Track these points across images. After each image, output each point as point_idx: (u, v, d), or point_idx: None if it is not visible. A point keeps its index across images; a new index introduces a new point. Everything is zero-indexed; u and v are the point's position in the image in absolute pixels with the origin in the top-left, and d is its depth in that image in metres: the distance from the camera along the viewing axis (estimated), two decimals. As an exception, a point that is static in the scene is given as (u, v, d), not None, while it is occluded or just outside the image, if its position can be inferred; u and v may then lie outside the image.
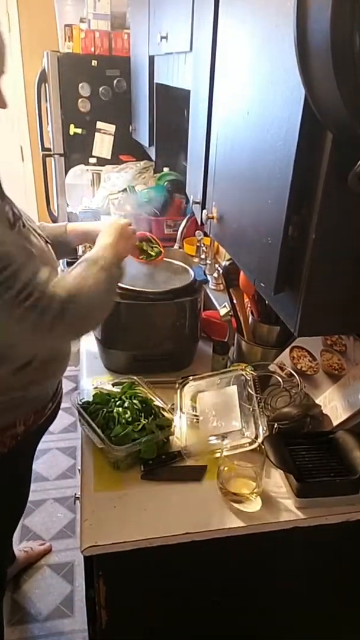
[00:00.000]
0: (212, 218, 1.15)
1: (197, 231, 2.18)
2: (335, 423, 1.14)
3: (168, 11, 1.58)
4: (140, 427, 1.11)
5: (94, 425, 1.12)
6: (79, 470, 1.23)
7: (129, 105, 2.73)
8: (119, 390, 1.25)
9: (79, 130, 2.80)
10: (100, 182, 2.72)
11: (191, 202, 1.40)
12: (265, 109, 0.78)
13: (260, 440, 1.05)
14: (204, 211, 1.23)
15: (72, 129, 2.80)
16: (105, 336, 1.41)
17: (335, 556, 1.11)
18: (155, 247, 1.43)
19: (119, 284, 1.27)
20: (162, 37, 1.62)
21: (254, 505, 1.01)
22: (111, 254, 1.10)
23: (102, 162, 2.83)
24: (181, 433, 1.16)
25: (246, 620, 1.18)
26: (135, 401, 1.18)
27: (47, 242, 1.14)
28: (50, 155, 2.91)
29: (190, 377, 1.31)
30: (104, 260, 1.06)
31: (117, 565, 0.98)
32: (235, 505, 1.01)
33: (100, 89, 2.74)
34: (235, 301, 1.43)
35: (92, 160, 2.82)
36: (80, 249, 2.14)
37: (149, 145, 2.28)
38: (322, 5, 0.49)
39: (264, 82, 0.77)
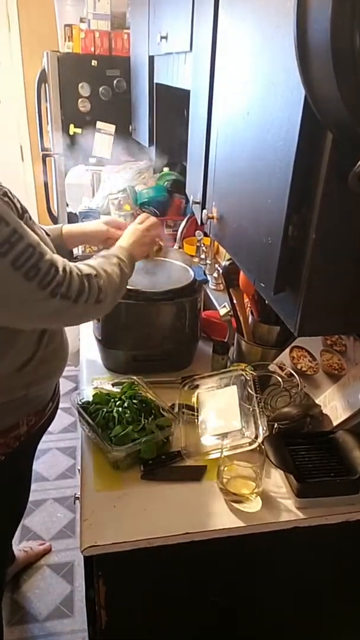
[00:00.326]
0: (212, 218, 1.15)
1: (197, 231, 2.18)
2: (335, 423, 1.14)
3: (168, 11, 1.58)
4: (140, 427, 1.11)
5: (93, 425, 1.12)
6: (78, 470, 1.23)
7: (129, 105, 2.73)
8: (118, 390, 1.25)
9: (79, 130, 2.80)
10: (100, 182, 2.72)
11: (191, 202, 1.40)
12: (265, 109, 0.78)
13: (260, 440, 1.05)
14: (204, 211, 1.23)
15: (72, 129, 2.80)
16: (105, 336, 1.41)
17: (335, 556, 1.11)
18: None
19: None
20: (162, 37, 1.62)
21: (254, 505, 1.01)
22: (125, 255, 1.13)
23: (102, 162, 2.83)
24: (181, 433, 1.16)
25: (246, 620, 1.18)
26: (135, 401, 1.18)
27: (48, 235, 1.15)
28: (50, 155, 2.91)
29: (190, 378, 1.31)
30: (117, 259, 1.10)
31: (117, 565, 0.98)
32: (235, 505, 1.01)
33: (100, 89, 2.74)
34: (235, 301, 1.43)
35: (92, 160, 2.82)
36: (80, 249, 2.15)
37: (149, 145, 2.28)
38: (322, 5, 0.49)
39: (264, 82, 0.77)
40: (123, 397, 1.21)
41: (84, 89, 2.73)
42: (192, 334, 1.46)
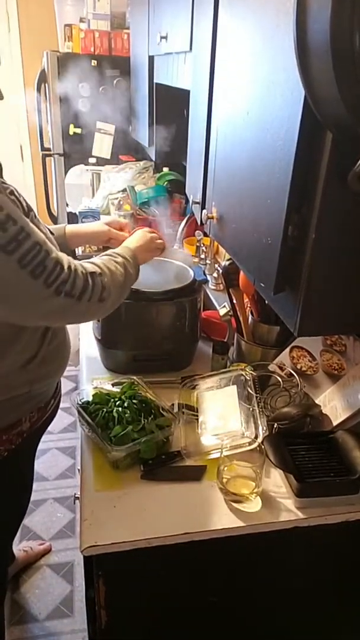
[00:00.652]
0: (212, 218, 1.15)
1: (196, 231, 2.18)
2: (335, 423, 1.14)
3: (168, 11, 1.58)
4: (140, 427, 1.11)
5: (93, 425, 1.12)
6: (78, 470, 1.23)
7: (129, 105, 2.73)
8: (118, 390, 1.25)
9: (78, 130, 2.80)
10: (100, 182, 2.72)
11: (191, 202, 1.40)
12: (265, 109, 0.78)
13: (260, 440, 1.05)
14: (204, 211, 1.23)
15: (72, 129, 2.80)
16: (105, 336, 1.41)
17: (335, 556, 1.11)
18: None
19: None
20: (161, 37, 1.62)
21: (254, 505, 1.01)
22: (131, 256, 1.14)
23: (101, 162, 2.83)
24: (181, 433, 1.16)
25: (245, 620, 1.18)
26: (135, 401, 1.19)
27: (52, 233, 1.16)
28: (50, 155, 2.91)
29: (190, 377, 1.31)
30: (122, 259, 1.11)
31: (116, 565, 0.98)
32: (235, 505, 1.01)
33: (100, 89, 2.74)
34: (235, 301, 1.43)
35: (92, 160, 2.82)
36: (80, 249, 2.15)
37: (149, 145, 2.28)
38: (322, 5, 0.49)
39: (264, 82, 0.77)
40: (123, 397, 1.21)
41: (84, 89, 2.73)
42: (192, 334, 1.46)
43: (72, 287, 0.93)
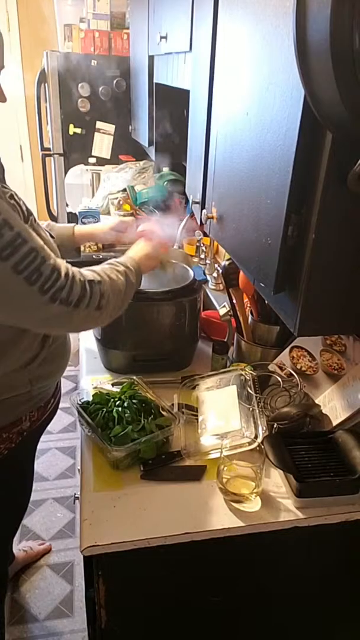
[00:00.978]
0: (212, 218, 1.15)
1: (196, 231, 2.18)
2: (334, 423, 1.14)
3: (167, 11, 1.58)
4: (139, 427, 1.11)
5: (93, 425, 1.12)
6: (78, 470, 1.23)
7: (129, 105, 2.73)
8: (118, 390, 1.25)
9: (78, 130, 2.81)
10: (99, 182, 2.72)
11: (191, 202, 1.40)
12: (264, 109, 0.78)
13: (259, 440, 1.05)
14: (204, 211, 1.23)
15: (72, 129, 2.80)
16: (104, 336, 1.41)
17: (334, 556, 1.11)
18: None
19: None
20: (161, 37, 1.62)
21: (254, 505, 1.01)
22: (133, 265, 1.13)
23: (101, 162, 2.83)
24: (181, 433, 1.16)
25: (245, 619, 1.18)
26: (134, 401, 1.19)
27: (52, 237, 1.16)
28: (49, 155, 2.92)
29: (190, 377, 1.31)
30: (124, 267, 1.10)
31: (116, 565, 0.98)
32: (235, 505, 1.01)
33: (100, 88, 2.74)
34: (234, 301, 1.43)
35: (92, 160, 2.83)
36: (81, 248, 2.15)
37: (149, 145, 2.28)
38: (322, 5, 0.49)
39: (264, 82, 0.77)
40: (123, 397, 1.21)
41: (84, 89, 2.73)
42: (192, 334, 1.46)
43: (69, 294, 0.92)
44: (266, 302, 1.00)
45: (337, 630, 1.26)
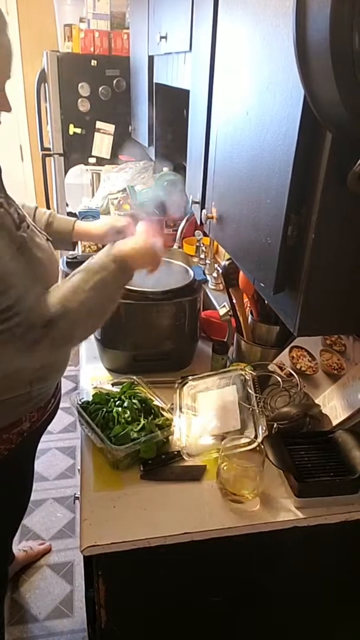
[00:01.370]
0: (212, 218, 1.15)
1: (196, 231, 2.18)
2: (334, 423, 1.14)
3: (167, 11, 1.58)
4: (139, 426, 1.11)
5: (93, 425, 1.12)
6: (78, 470, 1.23)
7: (129, 105, 2.73)
8: (118, 390, 1.25)
9: (78, 130, 2.81)
10: (99, 182, 2.72)
11: (190, 202, 1.40)
12: (264, 109, 0.78)
13: (259, 440, 1.05)
14: (204, 211, 1.23)
15: (72, 129, 2.80)
16: (104, 336, 1.41)
17: (334, 556, 1.11)
18: None
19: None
20: (161, 37, 1.62)
21: (254, 505, 1.01)
22: (117, 264, 1.01)
23: (101, 162, 2.83)
24: (181, 433, 1.16)
25: (245, 619, 1.18)
26: (134, 401, 1.19)
27: (48, 239, 1.15)
28: (49, 155, 2.91)
29: (190, 377, 1.31)
30: (107, 272, 0.99)
31: (116, 565, 0.98)
32: (235, 505, 1.01)
33: (100, 88, 2.74)
34: (234, 301, 1.43)
35: (92, 160, 2.82)
36: (79, 249, 2.15)
37: (149, 145, 2.28)
38: (321, 5, 0.49)
39: (264, 82, 0.77)
40: (123, 397, 1.21)
41: (84, 89, 2.73)
42: (192, 334, 1.46)
43: (26, 340, 0.90)
44: (266, 302, 1.00)
45: (337, 630, 1.26)
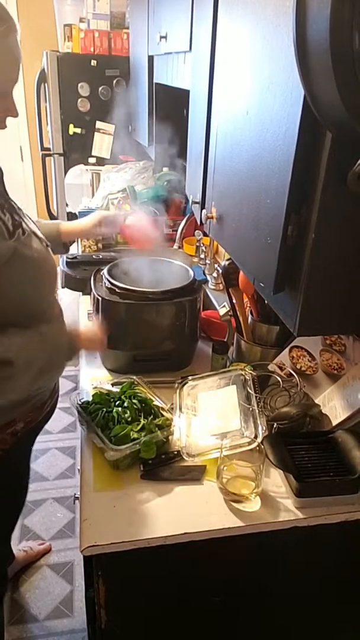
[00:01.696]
0: (212, 218, 1.15)
1: (196, 231, 2.18)
2: (334, 423, 1.14)
3: (167, 11, 1.58)
4: (139, 426, 1.11)
5: (93, 425, 1.12)
6: (78, 470, 1.23)
7: (129, 105, 2.73)
8: (118, 390, 1.25)
9: (78, 130, 2.80)
10: (99, 182, 2.72)
11: (190, 202, 1.40)
12: (264, 109, 0.78)
13: (259, 440, 1.05)
14: (203, 211, 1.23)
15: (72, 129, 2.80)
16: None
17: (334, 556, 1.11)
18: None
19: (116, 289, 1.35)
20: (161, 37, 1.62)
21: (254, 505, 1.01)
22: (70, 346, 1.13)
23: (101, 162, 2.83)
24: (181, 433, 1.16)
25: (245, 620, 1.18)
26: (134, 401, 1.19)
27: (47, 245, 1.14)
28: (49, 155, 2.91)
29: (190, 377, 1.31)
30: (61, 351, 1.10)
31: (116, 565, 0.98)
32: (235, 505, 1.01)
33: (100, 88, 2.74)
34: (234, 301, 1.43)
35: (92, 160, 2.82)
36: (79, 249, 2.15)
37: (149, 145, 2.28)
38: (322, 5, 0.49)
39: (264, 82, 0.77)
40: (123, 397, 1.21)
41: (84, 89, 2.73)
42: (192, 334, 1.46)
43: None
44: (266, 302, 1.00)
45: (337, 630, 1.26)
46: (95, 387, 1.29)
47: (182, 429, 1.17)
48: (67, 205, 2.95)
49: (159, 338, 1.40)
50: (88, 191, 2.82)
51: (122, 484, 1.06)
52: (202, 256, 2.22)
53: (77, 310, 1.83)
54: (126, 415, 1.14)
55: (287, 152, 0.69)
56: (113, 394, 1.23)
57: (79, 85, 2.71)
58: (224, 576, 1.08)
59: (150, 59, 2.01)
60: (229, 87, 0.98)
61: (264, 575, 1.10)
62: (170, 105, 2.08)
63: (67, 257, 1.89)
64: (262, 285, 0.85)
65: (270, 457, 1.03)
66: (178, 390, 1.27)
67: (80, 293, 1.87)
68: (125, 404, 1.17)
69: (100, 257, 1.91)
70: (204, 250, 2.21)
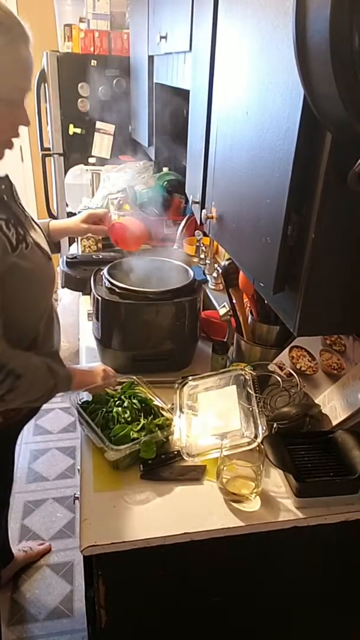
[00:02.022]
0: (212, 218, 1.15)
1: (196, 231, 2.18)
2: (334, 423, 1.14)
3: (167, 11, 1.58)
4: (139, 426, 1.11)
5: (93, 425, 1.12)
6: (78, 470, 1.23)
7: (129, 105, 2.73)
8: (118, 390, 1.25)
9: (78, 130, 2.81)
10: (99, 182, 2.72)
11: (190, 201, 1.40)
12: (264, 109, 0.78)
13: (259, 440, 1.05)
14: (203, 211, 1.23)
15: (72, 129, 2.80)
16: (104, 336, 1.41)
17: (334, 556, 1.11)
18: None
19: (116, 289, 1.35)
20: (161, 37, 1.62)
21: (254, 505, 1.01)
22: (65, 381, 1.14)
23: (101, 162, 2.83)
24: (181, 433, 1.16)
25: (245, 620, 1.18)
26: (134, 401, 1.18)
27: (49, 256, 1.17)
28: (49, 155, 2.92)
29: (190, 377, 1.31)
30: (59, 380, 1.11)
31: (116, 565, 0.98)
32: (235, 505, 1.01)
33: (100, 88, 2.74)
34: (234, 301, 1.43)
35: (92, 160, 2.82)
36: (79, 249, 2.15)
37: (149, 145, 2.28)
38: (321, 5, 0.49)
39: (263, 82, 0.77)
40: (123, 397, 1.21)
41: (84, 89, 2.73)
42: (192, 334, 1.46)
43: None
44: (266, 302, 1.00)
45: (338, 630, 1.26)
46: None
47: (182, 429, 1.17)
48: (67, 205, 2.95)
49: (159, 338, 1.40)
50: (88, 191, 2.82)
51: (122, 484, 1.06)
52: (202, 256, 2.22)
53: (77, 310, 1.83)
54: (126, 415, 1.14)
55: (287, 152, 0.69)
56: (113, 394, 1.23)
57: (79, 85, 2.72)
58: (223, 576, 1.08)
59: (150, 59, 2.01)
60: (229, 87, 0.99)
61: (263, 575, 1.10)
62: (170, 106, 2.08)
63: (67, 257, 1.89)
64: (262, 285, 0.85)
65: (270, 457, 1.03)
66: (178, 391, 1.27)
67: (80, 293, 1.87)
68: (125, 404, 1.17)
69: (100, 257, 1.91)
70: (204, 250, 2.21)
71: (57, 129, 2.80)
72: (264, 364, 1.31)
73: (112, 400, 1.20)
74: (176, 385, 1.29)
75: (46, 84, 2.72)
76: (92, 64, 2.68)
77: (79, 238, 2.10)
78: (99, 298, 1.36)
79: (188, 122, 1.39)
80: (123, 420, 1.13)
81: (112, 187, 2.56)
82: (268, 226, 0.79)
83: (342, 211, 0.68)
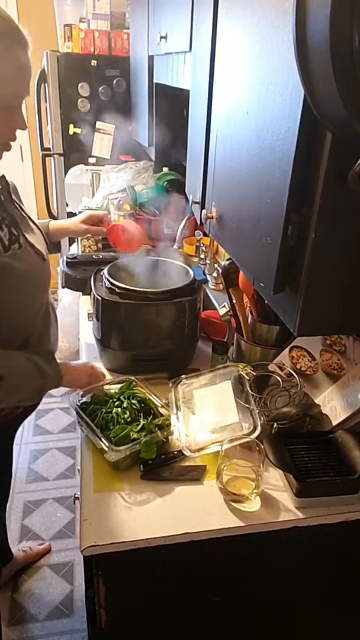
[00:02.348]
0: (212, 218, 1.15)
1: (196, 231, 2.18)
2: (334, 423, 1.14)
3: (167, 11, 1.58)
4: (139, 427, 1.11)
5: (93, 425, 1.12)
6: (78, 470, 1.23)
7: (129, 105, 2.73)
8: (117, 390, 1.25)
9: (78, 130, 2.81)
10: (99, 182, 2.72)
11: (190, 201, 1.40)
12: (264, 109, 0.78)
13: (259, 430, 1.06)
14: (203, 211, 1.23)
15: (72, 129, 2.80)
16: (104, 336, 1.41)
17: (334, 556, 1.11)
18: None
19: (116, 289, 1.35)
20: (161, 37, 1.62)
21: (254, 505, 1.01)
22: (54, 377, 1.13)
23: (101, 162, 2.83)
24: (180, 432, 1.16)
25: (245, 620, 1.18)
26: (134, 401, 1.18)
27: (44, 257, 1.17)
28: (49, 155, 2.91)
29: (183, 376, 1.31)
30: (48, 379, 1.10)
31: (116, 565, 0.98)
32: (235, 505, 1.01)
33: (100, 88, 2.74)
34: (234, 301, 1.43)
35: (92, 160, 2.82)
36: (79, 249, 2.15)
37: (149, 145, 2.28)
38: (321, 5, 0.49)
39: (264, 82, 0.77)
40: (122, 397, 1.21)
41: (84, 89, 2.73)
42: (192, 334, 1.46)
43: None
44: (266, 302, 1.00)
45: (338, 630, 1.26)
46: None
47: (180, 427, 1.17)
48: (67, 205, 2.95)
49: (159, 338, 1.40)
50: (88, 191, 2.82)
51: (122, 484, 1.06)
52: (202, 256, 2.22)
53: (77, 310, 1.83)
54: (126, 415, 1.14)
55: (287, 152, 0.69)
56: (112, 394, 1.23)
57: (79, 85, 2.72)
58: (224, 576, 1.08)
59: (150, 59, 2.01)
60: (229, 87, 0.99)
61: (264, 575, 1.10)
62: (170, 105, 2.08)
63: (67, 257, 1.89)
64: (262, 285, 0.85)
65: (270, 457, 1.03)
66: (173, 389, 1.27)
67: (80, 293, 1.87)
68: (125, 404, 1.17)
69: (100, 257, 1.91)
70: (204, 250, 2.21)
71: (57, 129, 2.80)
72: (264, 364, 1.31)
73: (111, 401, 1.20)
74: (170, 385, 1.29)
75: (46, 84, 2.72)
76: (92, 64, 2.68)
77: (79, 238, 2.10)
78: (99, 298, 1.36)
79: (188, 122, 1.39)
80: (123, 421, 1.13)
81: (112, 187, 2.56)
82: (268, 226, 0.79)
83: (342, 211, 0.68)
